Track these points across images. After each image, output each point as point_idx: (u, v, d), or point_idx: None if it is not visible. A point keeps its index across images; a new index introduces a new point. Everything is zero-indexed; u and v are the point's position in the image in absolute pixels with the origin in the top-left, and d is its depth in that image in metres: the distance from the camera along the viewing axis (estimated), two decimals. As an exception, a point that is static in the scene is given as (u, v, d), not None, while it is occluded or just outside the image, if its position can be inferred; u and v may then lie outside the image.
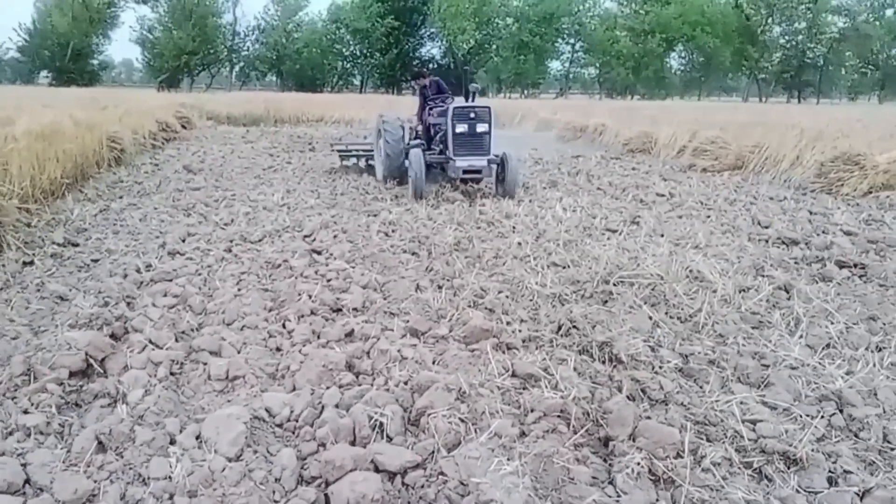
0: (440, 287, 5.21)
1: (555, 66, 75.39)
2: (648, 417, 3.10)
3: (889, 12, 70.68)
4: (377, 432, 3.01)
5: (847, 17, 71.37)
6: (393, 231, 7.26)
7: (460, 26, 63.08)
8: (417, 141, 10.63)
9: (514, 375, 3.57)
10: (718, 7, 68.75)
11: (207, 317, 4.52)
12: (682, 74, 74.13)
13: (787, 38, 71.85)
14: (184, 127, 20.04)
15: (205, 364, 3.73)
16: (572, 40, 72.43)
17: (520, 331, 4.24)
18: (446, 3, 63.15)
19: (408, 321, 4.40)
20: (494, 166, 9.34)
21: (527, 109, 29.20)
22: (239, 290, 5.10)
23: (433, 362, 3.78)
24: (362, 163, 12.49)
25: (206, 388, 3.52)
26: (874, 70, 72.35)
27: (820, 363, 3.85)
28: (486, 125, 9.26)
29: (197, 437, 2.92)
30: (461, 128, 9.15)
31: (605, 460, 2.86)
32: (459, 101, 9.78)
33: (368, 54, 69.29)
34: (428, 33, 72.16)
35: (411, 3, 68.40)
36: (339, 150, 12.81)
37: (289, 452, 2.84)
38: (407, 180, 9.76)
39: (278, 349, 4.04)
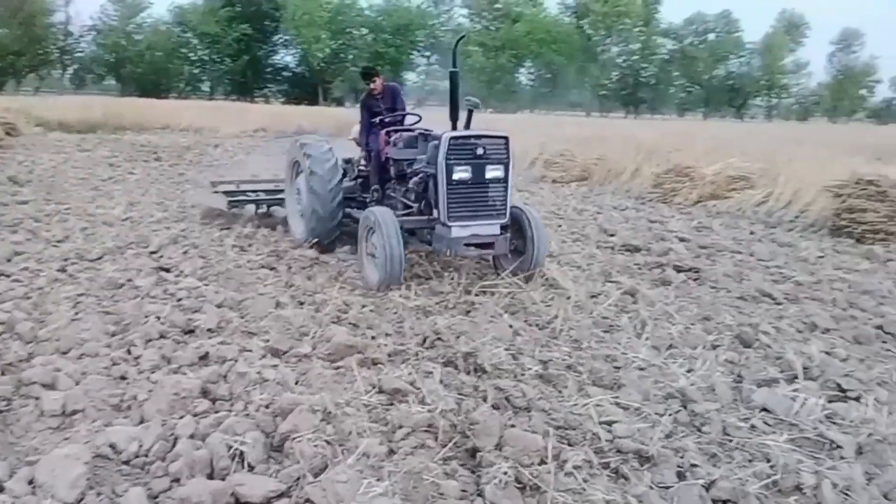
0: (301, 303, 5.06)
1: (411, 77, 76.34)
2: (513, 426, 3.16)
3: (711, 36, 78.21)
4: (237, 462, 2.85)
5: (675, 40, 78.21)
6: (249, 245, 6.97)
7: (315, 35, 62.22)
8: (351, 183, 7.15)
9: (380, 391, 3.52)
10: (563, 26, 72.82)
11: (39, 345, 4.08)
12: (532, 89, 77.67)
13: (623, 57, 77.44)
14: (8, 134, 18.15)
15: (37, 399, 3.36)
16: (427, 53, 73.73)
17: (385, 345, 4.20)
18: (300, 11, 62.07)
19: (268, 340, 4.22)
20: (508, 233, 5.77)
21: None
22: (76, 313, 4.67)
23: (296, 383, 3.65)
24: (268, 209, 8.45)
25: (40, 426, 3.17)
26: (699, 88, 79.62)
27: (664, 363, 4.13)
28: (503, 168, 5.52)
29: (30, 482, 2.62)
30: (462, 172, 5.37)
31: (473, 472, 2.88)
32: (441, 129, 5.78)
33: (218, 60, 66.52)
34: (281, 40, 70.49)
35: (263, 9, 66.54)
36: (226, 192, 8.45)
37: (137, 492, 2.62)
38: (339, 244, 6.81)
39: (123, 378, 3.72)
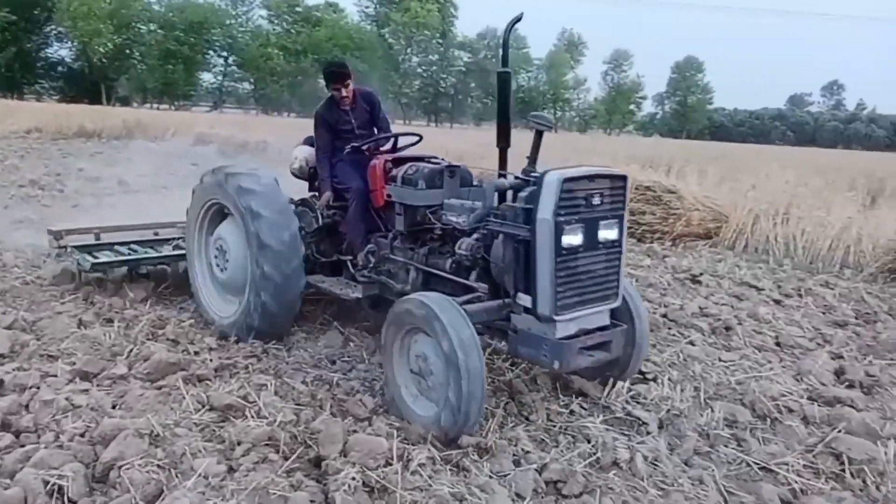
0: (109, 321, 4.64)
1: (207, 78, 72.70)
2: (356, 431, 3.17)
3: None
4: (56, 499, 2.57)
5: (471, 53, 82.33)
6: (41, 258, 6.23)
7: (95, 28, 56.94)
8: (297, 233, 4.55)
9: (212, 409, 3.36)
10: (365, 34, 73.59)
11: None
12: (336, 95, 77.54)
13: (424, 68, 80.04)
14: None
15: None
16: (225, 53, 70.67)
17: (210, 360, 4.00)
18: (76, 2, 56.48)
19: (74, 363, 3.83)
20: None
21: (180, 122, 27.54)
22: None
23: (114, 407, 3.37)
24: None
25: None
26: (494, 100, 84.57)
27: (490, 357, 4.36)
28: (618, 225, 3.59)
29: None
30: (574, 235, 3.39)
31: (319, 481, 2.85)
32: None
33: (-24, 51, 58.45)
34: (55, 32, 63.58)
35: (32, -4, 59.59)
36: (81, 248, 5.58)
37: (-67, 546, 2.27)
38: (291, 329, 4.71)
39: None
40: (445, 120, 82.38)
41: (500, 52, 3.93)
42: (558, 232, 3.29)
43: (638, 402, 3.83)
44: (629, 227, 9.66)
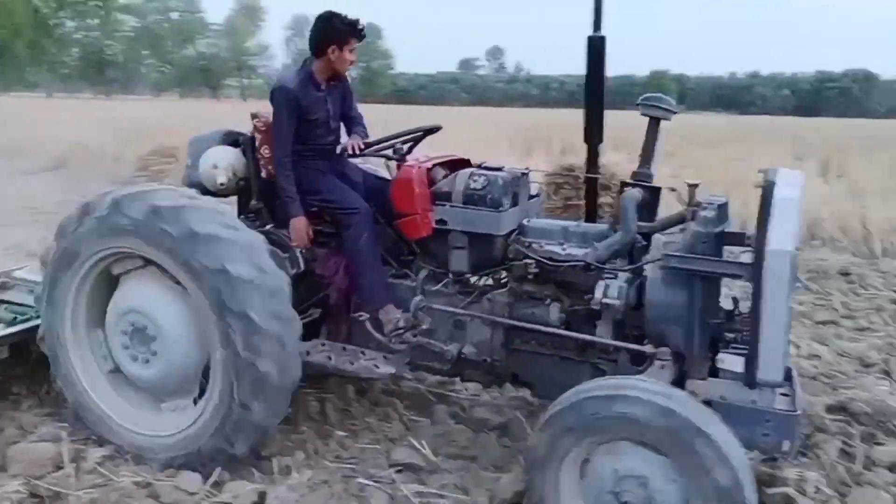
0: None
1: None
2: (17, 442, 2.88)
3: (175, 15, 77.50)
4: None
5: (139, 17, 75.11)
6: None
7: None
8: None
9: None
10: (3, -4, 62.76)
11: None
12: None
13: (83, 33, 70.98)
14: None
15: None
16: None
17: None
18: None
19: None
20: None
21: None
22: None
23: None
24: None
25: None
26: (171, 68, 78.53)
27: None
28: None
29: None
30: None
31: (-28, 507, 2.53)
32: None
33: None
34: None
35: None
36: None
37: None
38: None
39: None
40: (117, 91, 74.55)
41: (593, 8, 3.12)
42: (794, 265, 2.19)
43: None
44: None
